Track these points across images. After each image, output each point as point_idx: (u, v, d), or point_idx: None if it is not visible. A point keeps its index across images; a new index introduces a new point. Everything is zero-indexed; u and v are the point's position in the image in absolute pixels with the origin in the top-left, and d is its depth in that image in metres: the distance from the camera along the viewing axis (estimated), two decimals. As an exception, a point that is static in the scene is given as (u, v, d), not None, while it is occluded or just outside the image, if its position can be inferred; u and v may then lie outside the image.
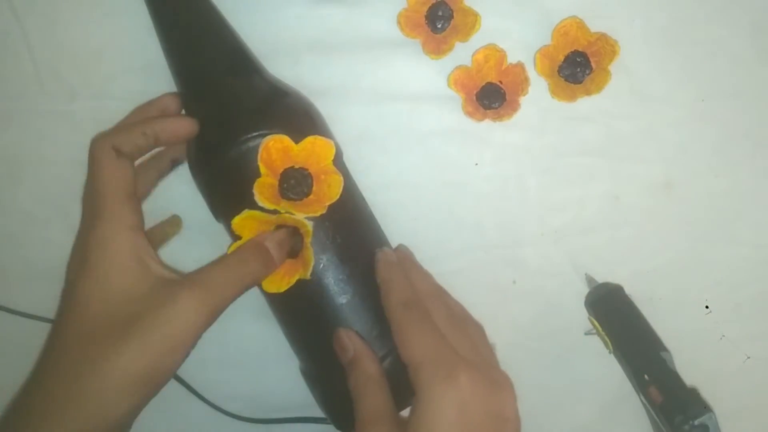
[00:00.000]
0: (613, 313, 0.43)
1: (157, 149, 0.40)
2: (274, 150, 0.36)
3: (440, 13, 0.42)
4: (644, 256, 0.45)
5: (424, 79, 0.44)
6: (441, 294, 0.40)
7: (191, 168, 0.39)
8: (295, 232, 0.37)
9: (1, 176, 0.44)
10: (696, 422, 0.37)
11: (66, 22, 0.43)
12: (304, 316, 0.39)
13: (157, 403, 0.43)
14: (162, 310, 0.32)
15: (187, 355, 0.33)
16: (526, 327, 0.45)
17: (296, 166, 0.37)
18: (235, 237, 0.37)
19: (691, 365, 0.41)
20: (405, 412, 0.34)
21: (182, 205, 0.43)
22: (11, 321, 0.43)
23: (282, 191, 0.37)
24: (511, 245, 0.45)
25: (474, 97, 0.43)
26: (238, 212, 0.36)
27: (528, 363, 0.45)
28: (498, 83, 0.43)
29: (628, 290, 0.43)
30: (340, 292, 0.37)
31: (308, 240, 0.37)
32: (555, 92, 0.43)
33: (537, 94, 0.43)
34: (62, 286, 0.35)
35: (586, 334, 0.44)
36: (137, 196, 0.35)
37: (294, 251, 0.37)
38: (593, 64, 0.42)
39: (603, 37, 0.42)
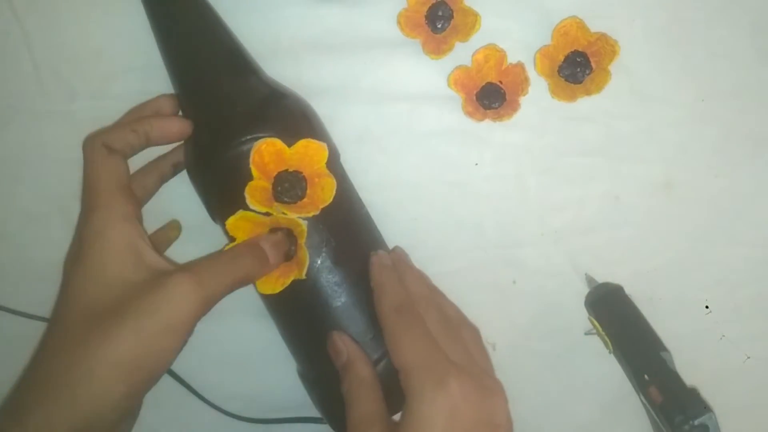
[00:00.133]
0: (613, 313, 0.43)
1: (161, 154, 0.41)
2: (267, 153, 0.36)
3: (440, 13, 0.42)
4: (644, 256, 0.45)
5: (424, 79, 0.44)
6: (435, 297, 0.40)
7: (188, 170, 0.39)
8: (289, 234, 0.37)
9: (1, 176, 0.44)
10: (696, 422, 0.37)
11: (66, 22, 0.43)
12: (299, 319, 0.39)
13: (157, 403, 0.44)
14: (155, 296, 0.32)
15: (180, 343, 0.33)
16: (526, 327, 0.45)
17: (290, 169, 0.37)
18: (231, 238, 0.37)
19: (691, 365, 0.41)
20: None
21: (182, 205, 0.43)
22: (11, 321, 0.43)
23: (276, 194, 0.37)
24: (511, 245, 0.45)
25: (474, 97, 0.43)
26: (232, 214, 0.36)
27: (528, 363, 0.45)
28: (498, 83, 0.43)
29: (628, 290, 0.43)
30: (334, 294, 0.37)
31: (302, 241, 0.37)
32: (555, 92, 0.43)
33: (537, 94, 0.43)
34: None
35: (586, 334, 0.44)
36: (131, 189, 0.36)
37: (288, 255, 0.37)
38: (593, 64, 0.42)
39: (603, 37, 0.42)
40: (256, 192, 0.36)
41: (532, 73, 0.43)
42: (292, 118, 0.39)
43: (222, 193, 0.38)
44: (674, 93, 0.44)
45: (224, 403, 0.45)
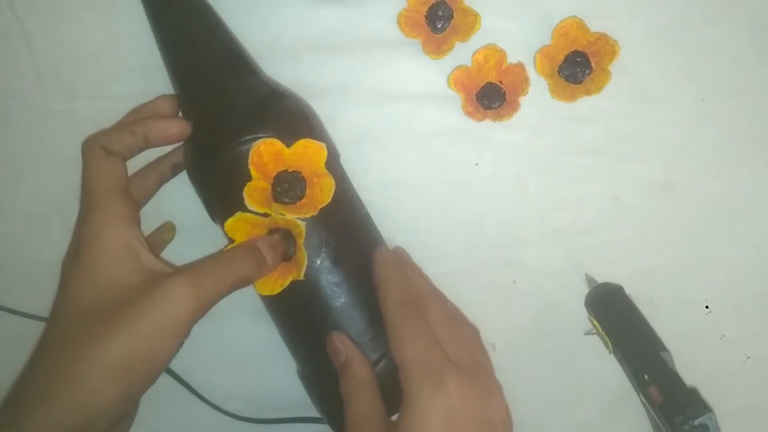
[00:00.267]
0: (613, 313, 0.43)
1: (161, 155, 0.41)
2: (266, 153, 0.36)
3: (440, 13, 0.42)
4: (644, 256, 0.45)
5: (424, 79, 0.44)
6: (439, 295, 0.40)
7: (188, 170, 0.39)
8: (288, 236, 0.37)
9: (1, 176, 0.44)
10: (696, 422, 0.37)
11: (66, 22, 0.43)
12: (298, 319, 0.39)
13: (157, 403, 0.44)
14: (151, 298, 0.32)
15: (177, 345, 0.33)
16: (526, 327, 0.45)
17: (289, 170, 0.37)
18: (230, 239, 0.37)
19: (691, 365, 0.41)
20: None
21: (182, 206, 0.43)
22: (11, 321, 0.44)
23: (275, 195, 0.37)
24: (511, 245, 0.45)
25: (474, 97, 0.43)
26: (231, 215, 0.36)
27: (528, 363, 0.45)
28: (498, 83, 0.43)
29: (628, 290, 0.43)
30: (334, 295, 0.37)
31: (301, 241, 0.37)
32: (555, 92, 0.43)
33: (537, 94, 0.43)
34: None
35: (586, 334, 0.44)
36: (130, 191, 0.36)
37: (287, 256, 0.37)
38: (593, 64, 0.42)
39: (603, 37, 0.42)
40: (255, 192, 0.36)
41: (532, 73, 0.43)
42: (292, 119, 0.39)
43: (221, 193, 0.38)
44: (674, 93, 0.44)
45: (224, 403, 0.45)
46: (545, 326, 0.45)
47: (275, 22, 0.43)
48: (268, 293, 0.37)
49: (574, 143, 0.44)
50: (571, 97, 0.43)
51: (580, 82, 0.43)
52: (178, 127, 0.38)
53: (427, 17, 0.42)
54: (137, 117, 0.39)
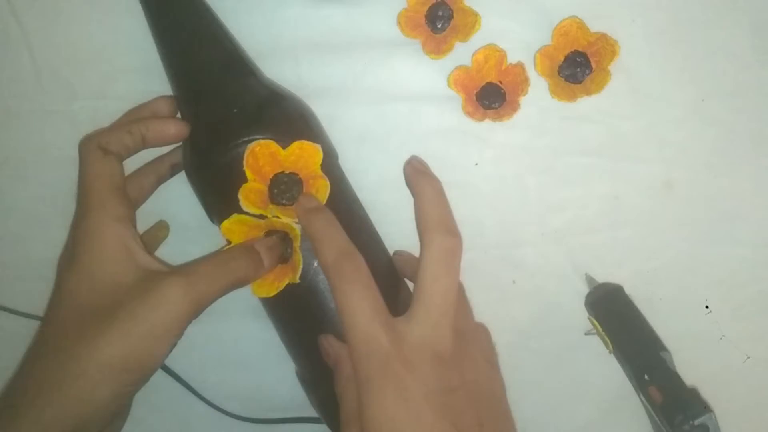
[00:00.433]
0: (613, 313, 0.43)
1: (158, 156, 0.41)
2: (261, 155, 0.36)
3: (440, 13, 0.42)
4: (644, 256, 0.45)
5: (424, 79, 0.44)
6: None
7: (186, 171, 0.39)
8: (285, 238, 0.37)
9: (1, 176, 0.44)
10: (696, 422, 0.37)
11: (66, 22, 0.43)
12: (296, 321, 0.39)
13: (157, 403, 0.44)
14: (146, 297, 0.32)
15: (170, 345, 0.33)
16: (526, 327, 0.45)
17: (286, 171, 0.37)
18: (227, 241, 0.37)
19: (691, 365, 0.41)
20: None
21: (181, 206, 0.43)
22: (11, 321, 0.44)
23: (272, 196, 0.37)
24: (510, 245, 0.45)
25: (474, 97, 0.43)
26: (229, 216, 0.36)
27: (528, 363, 0.45)
28: (498, 83, 0.43)
29: (628, 290, 0.43)
30: (330, 297, 0.37)
31: (297, 244, 0.37)
32: (555, 92, 0.43)
33: (537, 94, 0.43)
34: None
35: (586, 334, 0.44)
36: (126, 191, 0.36)
37: (284, 257, 0.37)
38: (593, 64, 0.42)
39: (603, 37, 0.42)
40: (251, 194, 0.36)
41: (532, 73, 0.43)
42: (290, 120, 0.39)
43: (219, 195, 0.38)
44: (674, 93, 0.44)
45: (224, 403, 0.45)
46: (545, 326, 0.45)
47: (275, 22, 0.43)
48: (265, 295, 0.37)
49: (574, 143, 0.44)
50: (571, 97, 0.43)
51: (580, 82, 0.43)
52: (176, 128, 0.38)
53: (427, 17, 0.42)
54: (135, 117, 0.39)
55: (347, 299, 0.32)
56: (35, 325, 0.42)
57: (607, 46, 0.42)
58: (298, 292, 0.37)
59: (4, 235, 0.44)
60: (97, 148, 0.35)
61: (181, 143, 0.40)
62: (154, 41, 0.40)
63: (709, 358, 0.45)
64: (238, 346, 0.45)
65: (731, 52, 0.44)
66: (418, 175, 0.37)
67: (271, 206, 0.37)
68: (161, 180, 0.41)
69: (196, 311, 0.33)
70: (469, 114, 0.43)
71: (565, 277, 0.45)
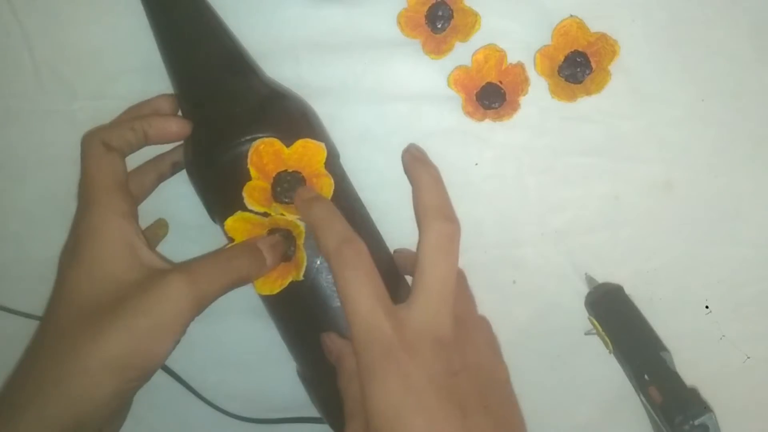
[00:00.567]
0: (613, 313, 0.43)
1: (160, 153, 0.41)
2: (265, 153, 0.36)
3: (440, 13, 0.42)
4: (644, 256, 0.45)
5: (424, 79, 0.44)
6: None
7: (187, 170, 0.39)
8: (288, 236, 0.37)
9: (1, 176, 0.44)
10: (696, 422, 0.37)
11: (66, 22, 0.43)
12: (298, 320, 0.39)
13: (157, 403, 0.44)
14: (149, 294, 0.32)
15: (173, 342, 0.33)
16: (526, 327, 0.45)
17: (289, 170, 0.37)
18: (230, 239, 0.37)
19: (691, 365, 0.41)
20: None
21: (182, 205, 0.43)
22: (11, 321, 0.44)
23: (275, 194, 0.37)
24: (510, 245, 0.45)
25: (474, 97, 0.43)
26: (231, 215, 0.36)
27: (528, 363, 0.45)
28: (498, 83, 0.43)
29: (628, 290, 0.43)
30: (333, 295, 0.37)
31: (300, 242, 0.37)
32: (555, 92, 0.43)
33: (537, 94, 0.43)
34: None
35: (586, 334, 0.44)
36: (129, 187, 0.36)
37: (287, 255, 0.37)
38: (593, 64, 0.42)
39: (603, 37, 0.42)
40: (255, 192, 0.36)
41: (532, 73, 0.43)
42: (292, 119, 0.39)
43: (221, 193, 0.38)
44: (674, 93, 0.44)
45: (224, 403, 0.45)
46: (545, 326, 0.45)
47: (276, 22, 0.43)
48: (268, 293, 0.37)
49: (574, 143, 0.44)
50: (571, 97, 0.43)
51: (580, 82, 0.43)
52: (177, 125, 0.38)
53: (427, 17, 0.42)
54: (136, 114, 0.39)
55: (349, 285, 0.32)
56: (35, 325, 0.42)
57: (607, 46, 0.42)
58: (300, 290, 0.37)
59: (4, 235, 0.44)
60: (99, 144, 0.35)
61: (181, 142, 0.40)
62: (156, 40, 0.40)
63: (709, 358, 0.45)
64: (238, 346, 0.45)
65: (731, 52, 0.44)
66: (416, 163, 0.37)
67: (274, 204, 0.37)
68: (162, 178, 0.41)
69: (198, 308, 0.33)
70: (469, 114, 0.43)
71: (565, 277, 0.45)
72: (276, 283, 0.37)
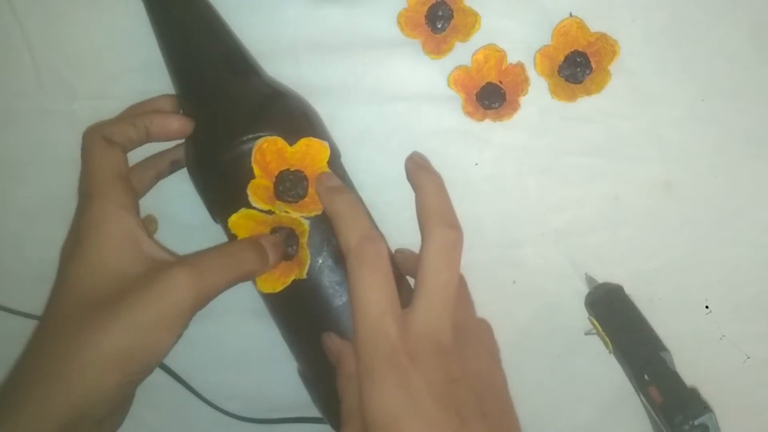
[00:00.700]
0: (613, 313, 0.43)
1: (158, 151, 0.41)
2: (268, 152, 0.36)
3: (440, 13, 0.42)
4: (644, 256, 0.45)
5: (424, 79, 0.44)
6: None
7: (188, 168, 0.39)
8: (291, 235, 0.37)
9: (1, 176, 0.44)
10: (696, 422, 0.37)
11: (66, 22, 0.43)
12: (300, 318, 0.39)
13: (157, 403, 0.44)
14: (152, 287, 0.32)
15: (176, 335, 0.32)
16: (526, 327, 0.45)
17: (292, 168, 0.37)
18: (232, 237, 0.37)
19: (691, 365, 0.41)
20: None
21: (182, 205, 0.43)
22: (11, 321, 0.43)
23: (278, 193, 0.37)
24: (510, 245, 0.45)
25: (474, 97, 0.43)
26: (234, 212, 0.36)
27: (528, 363, 0.45)
28: (498, 83, 0.43)
29: (628, 290, 0.43)
30: (335, 294, 0.37)
31: (304, 240, 0.37)
32: (555, 92, 0.43)
33: (537, 94, 0.43)
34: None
35: (586, 334, 0.44)
36: (130, 180, 0.36)
37: (289, 254, 0.37)
38: (593, 64, 0.42)
39: (603, 37, 0.42)
40: (258, 190, 0.36)
41: (532, 73, 0.43)
42: (293, 118, 0.39)
43: (223, 192, 0.38)
44: (674, 93, 0.44)
45: (224, 403, 0.45)
46: (545, 326, 0.45)
47: (276, 22, 0.43)
48: (270, 291, 0.37)
49: (574, 143, 0.44)
50: (571, 97, 0.43)
51: (580, 82, 0.43)
52: (179, 123, 0.38)
53: (427, 17, 0.42)
54: (138, 111, 0.39)
55: (364, 287, 0.31)
56: (35, 324, 0.42)
57: (607, 46, 0.42)
58: (302, 289, 0.37)
59: (3, 235, 0.44)
60: (101, 139, 0.35)
61: (182, 140, 0.40)
62: (156, 39, 0.40)
63: (709, 358, 0.45)
64: (239, 346, 0.45)
65: (731, 52, 0.44)
66: (419, 170, 0.37)
67: (278, 203, 0.37)
68: (160, 176, 0.41)
69: (202, 302, 0.33)
70: (469, 114, 0.43)
71: (565, 277, 0.45)
72: (279, 281, 0.37)
